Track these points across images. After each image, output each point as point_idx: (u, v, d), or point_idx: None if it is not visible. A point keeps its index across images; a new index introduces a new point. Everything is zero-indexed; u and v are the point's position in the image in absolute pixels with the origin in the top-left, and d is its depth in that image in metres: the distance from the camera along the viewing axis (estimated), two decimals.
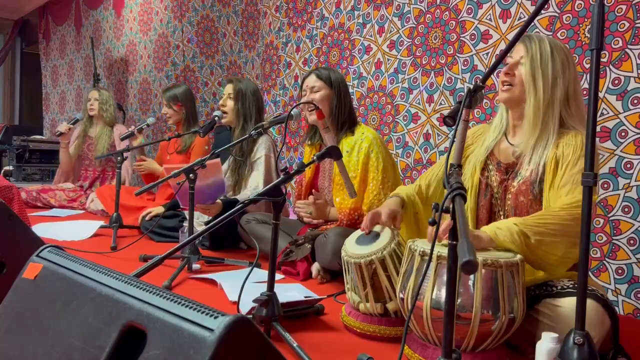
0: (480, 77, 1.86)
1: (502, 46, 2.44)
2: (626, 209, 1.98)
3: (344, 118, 2.31)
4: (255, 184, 2.70)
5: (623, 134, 2.00)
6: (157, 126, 4.94)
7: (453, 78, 2.65)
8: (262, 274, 2.08)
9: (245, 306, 1.59)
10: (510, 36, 2.39)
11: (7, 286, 1.08)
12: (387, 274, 1.55)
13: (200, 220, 2.77)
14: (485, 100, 2.48)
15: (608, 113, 2.04)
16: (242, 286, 1.51)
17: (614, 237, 2.01)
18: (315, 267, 2.21)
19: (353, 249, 1.63)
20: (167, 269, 2.14)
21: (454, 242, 1.00)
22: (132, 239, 2.61)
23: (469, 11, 2.58)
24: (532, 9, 2.31)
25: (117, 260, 2.39)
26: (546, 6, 2.22)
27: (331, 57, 3.38)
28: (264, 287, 1.51)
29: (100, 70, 5.79)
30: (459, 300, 1.30)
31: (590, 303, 1.25)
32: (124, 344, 0.80)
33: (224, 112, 2.87)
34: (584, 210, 1.11)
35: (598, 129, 2.01)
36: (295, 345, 1.37)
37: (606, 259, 2.03)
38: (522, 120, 1.61)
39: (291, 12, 3.69)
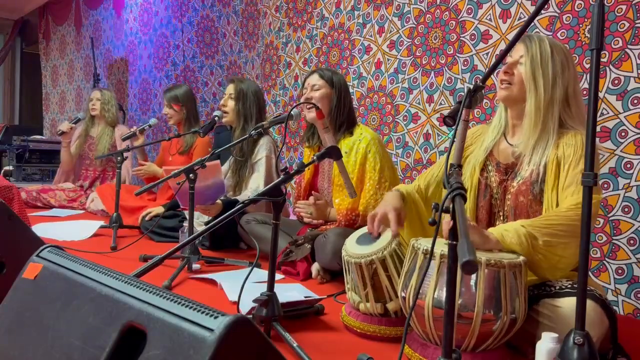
0: (480, 77, 1.86)
1: (502, 46, 2.44)
2: (626, 209, 1.98)
3: (342, 119, 2.31)
4: (256, 185, 2.70)
5: (623, 134, 2.00)
6: (158, 126, 4.95)
7: (453, 78, 2.65)
8: (262, 274, 2.08)
9: (245, 306, 1.59)
10: (510, 36, 2.39)
11: (7, 286, 1.08)
12: (387, 274, 1.55)
13: (200, 220, 2.77)
14: (485, 100, 2.48)
15: (608, 113, 2.04)
16: (242, 286, 1.51)
17: (614, 237, 2.01)
18: (315, 267, 2.21)
19: (353, 248, 1.63)
20: (167, 269, 2.14)
21: (454, 242, 1.00)
22: (132, 239, 2.61)
23: (469, 11, 2.58)
24: (532, 9, 2.31)
25: (117, 260, 2.39)
26: (546, 6, 2.22)
27: (331, 57, 3.38)
28: (264, 287, 1.51)
29: (100, 70, 5.79)
30: (460, 300, 1.30)
31: (588, 303, 1.25)
32: (124, 344, 0.80)
33: (225, 112, 2.87)
34: (584, 210, 1.11)
35: (598, 129, 2.01)
36: (295, 345, 1.37)
37: (606, 259, 2.03)
38: (521, 120, 1.61)
39: (291, 12, 3.69)
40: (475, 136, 1.76)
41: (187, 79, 4.66)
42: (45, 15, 7.23)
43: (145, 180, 3.49)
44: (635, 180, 1.96)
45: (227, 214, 1.39)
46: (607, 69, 2.04)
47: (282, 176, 1.53)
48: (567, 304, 1.33)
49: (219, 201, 2.54)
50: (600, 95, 2.05)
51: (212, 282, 2.07)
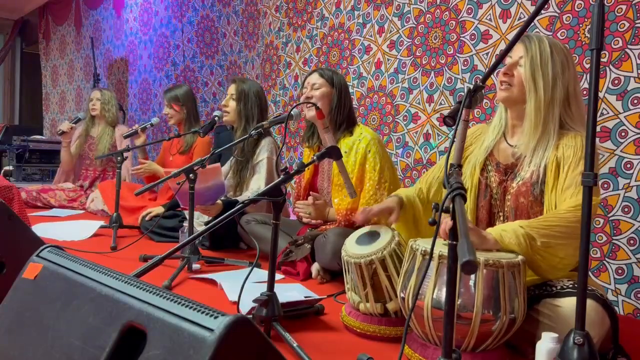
0: (480, 77, 1.86)
1: (502, 46, 2.44)
2: (626, 209, 1.98)
3: (342, 118, 2.31)
4: (257, 186, 2.69)
5: (623, 134, 2.00)
6: (158, 126, 4.95)
7: (453, 78, 2.65)
8: (262, 274, 2.08)
9: (245, 306, 1.59)
10: (510, 36, 2.39)
11: (7, 286, 1.08)
12: (387, 274, 1.55)
13: (200, 220, 2.77)
14: (485, 100, 2.48)
15: (608, 113, 2.04)
16: (242, 286, 1.51)
17: (614, 237, 2.01)
18: (315, 267, 2.21)
19: (353, 249, 1.63)
20: (167, 269, 2.14)
21: (454, 242, 1.00)
22: (132, 239, 2.61)
23: (469, 11, 2.58)
24: (532, 9, 2.31)
25: (117, 260, 2.39)
26: (546, 6, 2.22)
27: (331, 57, 3.38)
28: (264, 287, 1.51)
29: (100, 70, 5.79)
30: (459, 300, 1.30)
31: (589, 303, 1.25)
32: (124, 344, 0.80)
33: (226, 112, 2.87)
34: (584, 210, 1.11)
35: (598, 129, 2.01)
36: (295, 345, 1.37)
37: (606, 259, 2.03)
38: (520, 121, 1.60)
39: (291, 12, 3.69)
40: (475, 136, 1.76)
41: (187, 79, 4.66)
42: (45, 15, 7.23)
43: (145, 179, 3.49)
44: (635, 180, 1.96)
45: (227, 214, 1.39)
46: (607, 69, 2.04)
47: (282, 176, 1.53)
48: (568, 304, 1.33)
49: (219, 201, 2.54)
50: (600, 95, 2.05)
51: (212, 282, 2.07)
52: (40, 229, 2.82)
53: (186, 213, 2.46)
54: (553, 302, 1.38)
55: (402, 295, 1.43)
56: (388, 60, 3.00)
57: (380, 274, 1.55)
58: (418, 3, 2.84)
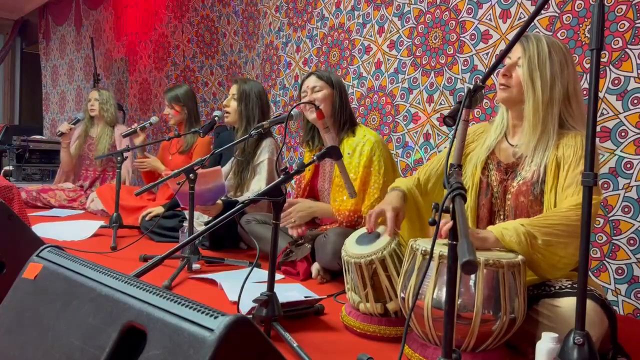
0: (480, 77, 1.86)
1: (502, 46, 2.44)
2: (626, 209, 1.98)
3: (345, 118, 2.31)
4: (257, 188, 2.69)
5: (623, 134, 2.00)
6: (158, 126, 4.94)
7: (453, 78, 2.65)
8: (262, 274, 2.08)
9: (245, 306, 1.59)
10: (510, 36, 2.39)
11: (7, 286, 1.08)
12: (387, 274, 1.55)
13: (200, 220, 2.77)
14: (485, 100, 2.48)
15: (608, 113, 2.04)
16: (242, 286, 1.51)
17: (614, 237, 2.01)
18: (315, 267, 2.21)
19: (353, 249, 1.63)
20: (167, 269, 2.14)
21: (454, 242, 1.00)
22: (132, 239, 2.61)
23: (469, 11, 2.58)
24: (532, 9, 2.31)
25: (117, 260, 2.39)
26: (546, 6, 2.22)
27: (331, 57, 3.38)
28: (264, 287, 1.51)
29: (100, 70, 5.79)
30: (460, 300, 1.30)
31: (588, 303, 1.25)
32: (124, 344, 0.80)
33: (227, 113, 2.87)
34: (584, 210, 1.11)
35: (598, 129, 2.01)
36: (295, 345, 1.37)
37: (606, 259, 2.03)
38: (521, 121, 1.60)
39: (291, 12, 3.69)
40: (477, 134, 1.76)
41: (187, 79, 4.66)
42: (45, 15, 7.23)
43: (144, 177, 3.49)
44: (635, 180, 1.96)
45: (227, 214, 1.39)
46: (607, 69, 2.04)
47: (282, 176, 1.53)
48: (567, 304, 1.33)
49: (219, 202, 2.54)
50: (600, 95, 2.05)
51: (212, 282, 2.07)
52: (40, 229, 2.82)
53: (186, 213, 2.46)
54: (552, 302, 1.38)
55: (402, 295, 1.43)
56: (388, 60, 3.00)
57: (380, 274, 1.55)
58: (418, 3, 2.84)
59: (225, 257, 2.48)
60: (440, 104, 2.71)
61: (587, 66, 2.10)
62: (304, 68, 3.60)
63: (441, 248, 1.33)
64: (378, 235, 1.64)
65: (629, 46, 1.99)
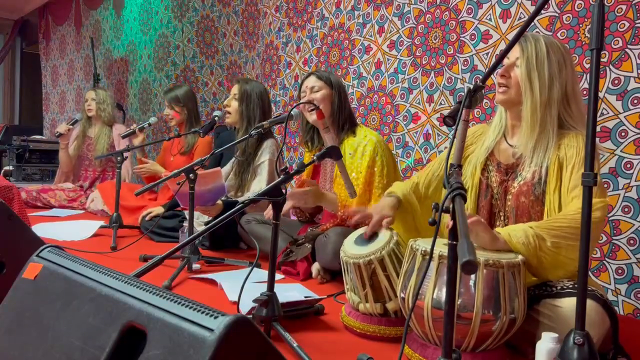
0: (480, 77, 1.86)
1: (502, 46, 2.44)
2: (626, 209, 1.98)
3: (344, 118, 2.31)
4: (258, 189, 2.68)
5: (623, 134, 2.00)
6: (158, 126, 4.94)
7: (453, 78, 2.65)
8: (262, 274, 2.08)
9: (245, 306, 1.59)
10: (510, 36, 2.39)
11: (7, 286, 1.08)
12: (386, 274, 1.55)
13: (200, 220, 2.77)
14: (485, 100, 2.48)
15: (608, 113, 2.04)
16: (242, 286, 1.51)
17: (614, 237, 2.01)
18: (315, 267, 2.21)
19: (352, 249, 1.63)
20: (167, 269, 2.14)
21: (454, 242, 1.00)
22: (132, 239, 2.61)
23: (469, 11, 2.58)
24: (532, 9, 2.31)
25: (117, 260, 2.39)
26: (546, 6, 2.22)
27: (331, 57, 3.38)
28: (264, 287, 1.51)
29: (100, 70, 5.79)
30: (460, 300, 1.30)
31: (589, 303, 1.25)
32: (124, 344, 0.80)
33: (228, 113, 2.87)
34: (583, 210, 1.11)
35: (598, 129, 2.01)
36: (295, 345, 1.37)
37: (606, 259, 2.03)
38: (519, 121, 1.60)
39: (291, 12, 3.69)
40: (476, 135, 1.76)
41: (187, 79, 4.66)
42: (45, 15, 7.23)
43: (145, 179, 3.49)
44: (635, 180, 1.96)
45: (227, 214, 1.39)
46: (607, 69, 2.04)
47: (282, 176, 1.53)
48: (568, 304, 1.32)
49: (219, 202, 2.54)
50: (600, 95, 2.05)
51: (212, 282, 2.07)
52: (40, 229, 2.82)
53: (186, 213, 2.46)
54: (553, 302, 1.38)
55: (402, 295, 1.43)
56: (388, 60, 3.00)
57: (379, 274, 1.55)
58: (418, 3, 2.84)
59: (225, 257, 2.48)
60: (440, 104, 2.71)
61: (587, 66, 2.10)
62: (304, 68, 3.60)
63: (441, 248, 1.33)
64: (377, 236, 1.64)
65: (629, 46, 1.99)
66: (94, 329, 0.84)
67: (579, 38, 2.15)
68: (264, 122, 2.19)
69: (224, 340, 0.68)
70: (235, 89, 2.87)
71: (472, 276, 1.30)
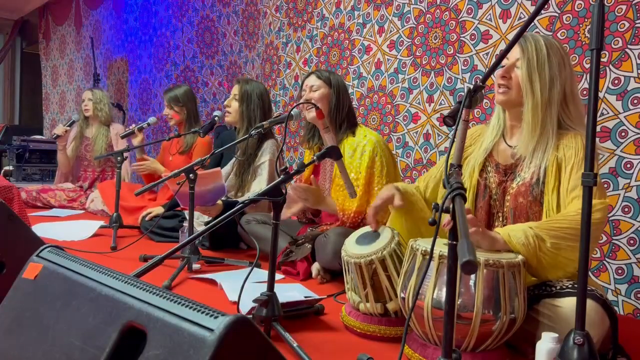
0: (480, 77, 1.86)
1: (502, 46, 2.44)
2: (626, 209, 1.98)
3: (342, 118, 2.31)
4: (258, 189, 2.68)
5: (623, 134, 2.00)
6: (158, 126, 4.95)
7: (453, 78, 2.65)
8: (262, 274, 2.08)
9: (245, 306, 1.59)
10: (510, 36, 2.39)
11: (7, 286, 1.08)
12: (387, 273, 1.55)
13: (200, 220, 2.77)
14: (485, 100, 2.48)
15: (608, 113, 2.04)
16: (242, 286, 1.51)
17: (614, 237, 2.01)
18: (315, 267, 2.21)
19: (353, 248, 1.63)
20: (167, 269, 2.14)
21: (454, 242, 1.00)
22: (132, 239, 2.61)
23: (469, 11, 2.58)
24: (532, 9, 2.32)
25: (117, 260, 2.39)
26: (546, 6, 2.22)
27: (331, 57, 3.38)
28: (264, 287, 1.51)
29: (100, 70, 5.79)
30: (460, 300, 1.30)
31: (589, 303, 1.25)
32: (124, 344, 0.80)
33: (228, 113, 2.87)
34: (583, 210, 1.11)
35: (598, 129, 2.01)
36: (295, 345, 1.37)
37: (606, 259, 2.03)
38: (519, 122, 1.60)
39: (291, 12, 3.69)
40: (474, 137, 1.76)
41: (187, 79, 4.66)
42: (45, 15, 7.23)
43: (144, 178, 3.48)
44: (635, 180, 1.96)
45: (227, 214, 1.39)
46: (607, 69, 2.04)
47: (282, 176, 1.53)
48: (568, 304, 1.33)
49: (219, 202, 2.54)
50: (600, 95, 2.05)
51: (212, 282, 2.07)
52: (40, 229, 2.82)
53: (186, 213, 2.46)
54: (553, 302, 1.38)
55: (402, 295, 1.43)
56: (388, 60, 3.00)
57: (380, 274, 1.55)
58: (418, 3, 2.84)
59: (225, 257, 2.48)
60: (440, 104, 2.71)
61: (587, 66, 2.10)
62: (304, 68, 3.60)
63: (441, 248, 1.33)
64: (378, 235, 1.64)
65: (629, 46, 1.99)
66: (94, 329, 0.84)
67: (579, 38, 2.15)
68: (264, 122, 2.19)
69: (224, 340, 0.68)
70: (235, 89, 2.87)
71: (472, 276, 1.30)
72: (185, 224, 2.36)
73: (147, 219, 2.99)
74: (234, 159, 2.91)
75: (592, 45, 1.10)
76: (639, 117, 1.96)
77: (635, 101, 1.97)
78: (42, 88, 7.36)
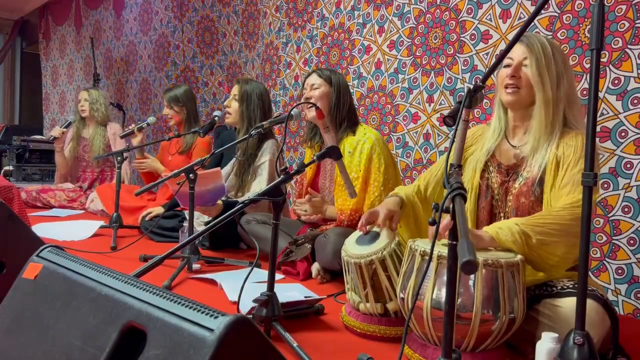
0: (480, 77, 1.86)
1: (502, 46, 2.44)
2: (626, 209, 1.98)
3: (342, 117, 2.31)
4: (258, 189, 2.68)
5: (623, 134, 2.00)
6: (157, 126, 4.94)
7: (453, 78, 2.65)
8: (262, 274, 2.08)
9: (245, 306, 1.59)
10: (510, 36, 2.39)
11: (7, 286, 1.08)
12: (387, 274, 1.55)
13: (200, 220, 2.77)
14: (485, 100, 2.48)
15: (608, 113, 2.04)
16: (242, 286, 1.51)
17: (614, 237, 2.01)
18: (315, 267, 2.21)
19: (353, 249, 1.63)
20: (167, 269, 2.14)
21: (454, 242, 1.00)
22: (132, 239, 2.61)
23: (469, 11, 2.58)
24: (532, 9, 2.32)
25: (117, 260, 2.39)
26: (546, 6, 2.22)
27: (331, 57, 3.38)
28: (264, 287, 1.51)
29: (100, 70, 5.79)
30: (459, 300, 1.30)
31: (590, 303, 1.25)
32: (124, 344, 0.80)
33: (228, 113, 2.87)
34: (584, 210, 1.11)
35: (598, 129, 2.01)
36: (295, 345, 1.37)
37: (606, 259, 2.03)
38: (523, 122, 1.60)
39: (291, 12, 3.69)
40: (475, 137, 1.75)
41: (187, 79, 4.66)
42: (45, 15, 7.23)
43: (144, 177, 3.48)
44: (635, 180, 1.96)
45: (227, 214, 1.39)
46: (607, 69, 2.04)
47: (282, 176, 1.53)
48: (568, 304, 1.33)
49: (219, 202, 2.54)
50: (600, 95, 2.05)
51: (212, 282, 2.07)
52: (40, 229, 2.82)
53: (186, 213, 2.46)
54: (553, 302, 1.38)
55: (401, 295, 1.43)
56: (388, 60, 3.00)
57: (380, 274, 1.55)
58: (418, 3, 2.84)
59: (225, 257, 2.48)
60: (440, 104, 2.71)
61: (587, 66, 2.10)
62: (304, 68, 3.60)
63: (440, 248, 1.33)
64: (378, 236, 1.64)
65: (629, 46, 1.99)
66: (94, 329, 0.84)
67: (579, 38, 2.15)
68: (264, 122, 2.19)
69: (224, 340, 0.68)
70: (235, 89, 2.87)
71: (472, 276, 1.30)
72: (185, 224, 2.36)
73: (147, 219, 2.99)
74: (234, 159, 2.91)
75: (592, 45, 1.10)
76: (639, 117, 1.96)
77: (635, 101, 1.97)
78: (42, 88, 7.36)
